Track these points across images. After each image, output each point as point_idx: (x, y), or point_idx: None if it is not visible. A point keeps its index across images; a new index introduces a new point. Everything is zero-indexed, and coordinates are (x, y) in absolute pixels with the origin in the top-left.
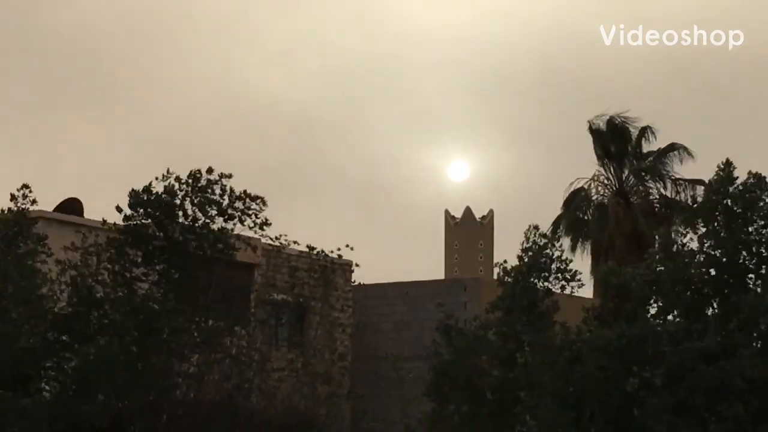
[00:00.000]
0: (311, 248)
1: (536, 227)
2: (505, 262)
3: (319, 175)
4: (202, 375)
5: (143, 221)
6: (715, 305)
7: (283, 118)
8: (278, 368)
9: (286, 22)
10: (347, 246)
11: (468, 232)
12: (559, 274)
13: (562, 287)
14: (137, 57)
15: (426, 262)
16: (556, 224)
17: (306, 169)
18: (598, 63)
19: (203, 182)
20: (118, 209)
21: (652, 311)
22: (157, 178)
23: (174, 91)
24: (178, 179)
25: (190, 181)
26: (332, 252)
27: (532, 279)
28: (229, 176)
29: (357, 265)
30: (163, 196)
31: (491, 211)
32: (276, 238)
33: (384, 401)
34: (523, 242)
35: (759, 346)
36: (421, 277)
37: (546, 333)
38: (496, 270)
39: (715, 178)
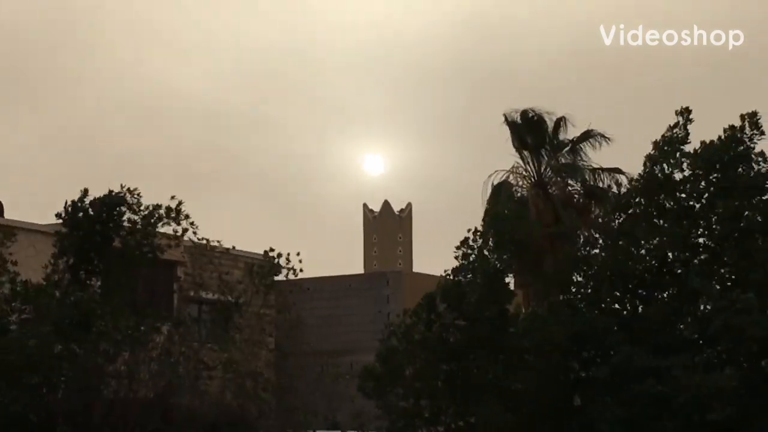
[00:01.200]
0: (230, 248)
1: (477, 230)
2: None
3: (237, 170)
4: (133, 373)
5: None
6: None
7: (197, 113)
8: (208, 366)
9: (199, 15)
10: (287, 257)
11: (387, 226)
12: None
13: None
14: (45, 52)
15: (345, 256)
16: (486, 219)
17: (223, 165)
18: (517, 56)
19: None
20: (71, 209)
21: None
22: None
23: (86, 88)
24: (130, 191)
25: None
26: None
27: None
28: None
29: (301, 270)
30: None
31: (409, 204)
32: (199, 237)
33: (311, 396)
34: (484, 215)
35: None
36: (340, 272)
37: (507, 331)
38: (461, 251)
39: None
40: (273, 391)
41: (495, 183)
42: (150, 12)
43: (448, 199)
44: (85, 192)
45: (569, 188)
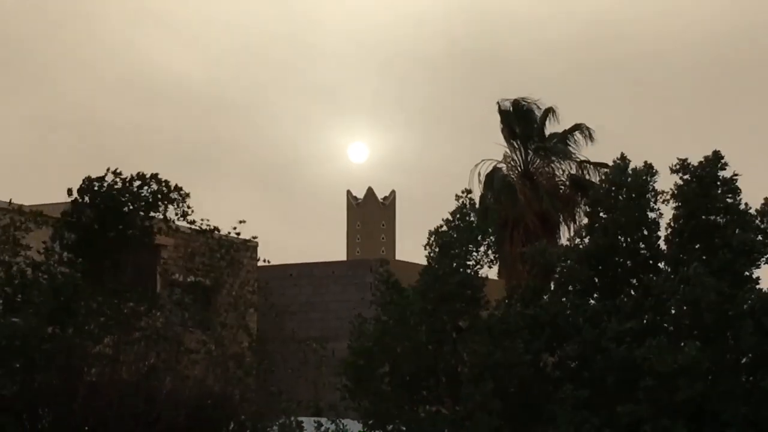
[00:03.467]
0: (213, 230)
1: (469, 191)
2: (437, 230)
3: (224, 154)
4: (117, 355)
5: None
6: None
7: (189, 97)
8: (191, 350)
9: (192, 1)
10: (240, 222)
11: (370, 213)
12: (487, 253)
13: (489, 265)
14: (45, 36)
15: (328, 242)
16: (481, 205)
17: (211, 149)
18: (509, 45)
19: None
20: (69, 193)
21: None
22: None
23: (84, 71)
24: (124, 181)
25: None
26: (235, 230)
27: (463, 259)
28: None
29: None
30: (115, 187)
31: (393, 192)
32: (184, 217)
33: (293, 383)
34: (455, 210)
35: (671, 330)
36: (323, 258)
37: (477, 316)
38: (427, 238)
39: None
40: (256, 375)
41: (482, 172)
42: None
43: (432, 187)
44: (90, 180)
45: (556, 178)
